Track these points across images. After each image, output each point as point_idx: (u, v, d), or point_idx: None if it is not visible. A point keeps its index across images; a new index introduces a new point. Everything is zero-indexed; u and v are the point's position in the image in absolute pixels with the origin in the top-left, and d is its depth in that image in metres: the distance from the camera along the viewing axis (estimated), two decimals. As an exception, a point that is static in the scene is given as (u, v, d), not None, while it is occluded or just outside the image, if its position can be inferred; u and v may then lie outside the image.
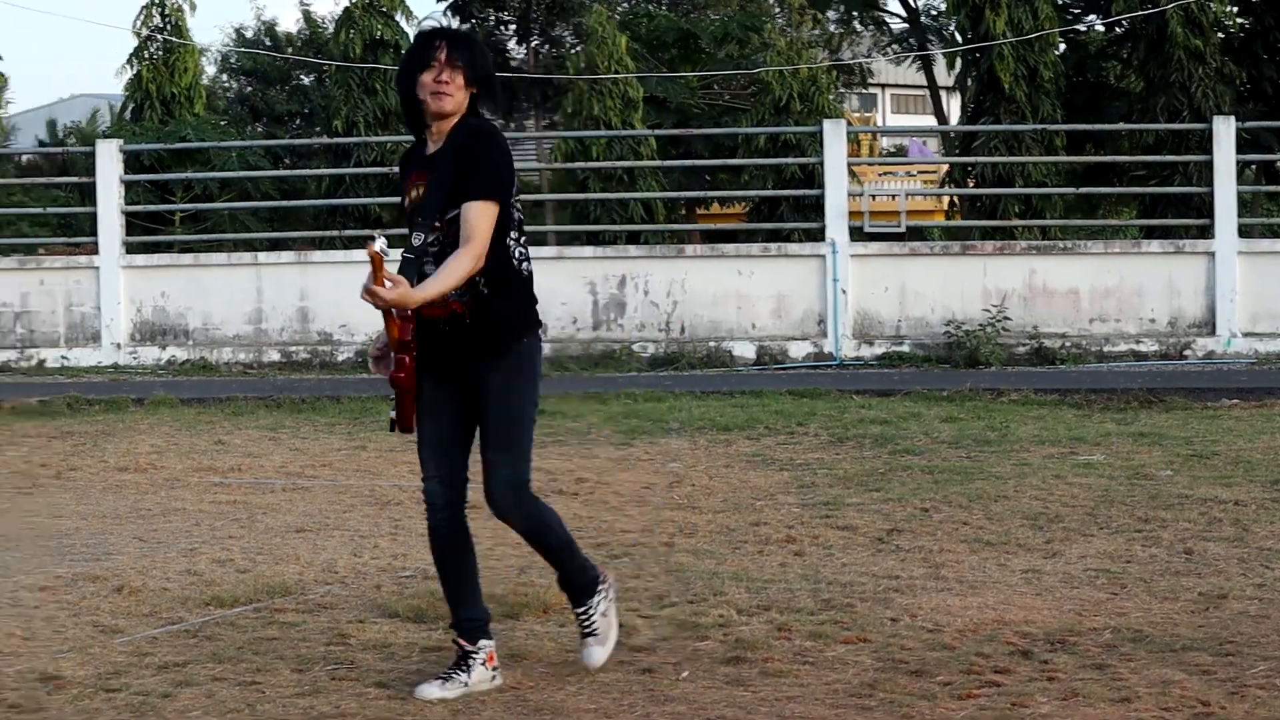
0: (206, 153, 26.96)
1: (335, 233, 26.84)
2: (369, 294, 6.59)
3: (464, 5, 34.19)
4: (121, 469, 14.29)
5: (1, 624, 8.32)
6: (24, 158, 33.90)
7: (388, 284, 6.60)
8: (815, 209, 24.93)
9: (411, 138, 7.24)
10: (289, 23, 71.52)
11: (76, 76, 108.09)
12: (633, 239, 26.14)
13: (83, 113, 46.13)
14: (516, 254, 7.03)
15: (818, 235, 24.33)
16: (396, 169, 7.73)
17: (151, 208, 26.15)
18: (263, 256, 24.84)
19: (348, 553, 10.31)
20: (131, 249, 24.57)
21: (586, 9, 32.79)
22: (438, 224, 6.94)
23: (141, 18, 30.14)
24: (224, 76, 49.72)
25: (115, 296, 23.88)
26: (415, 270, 6.88)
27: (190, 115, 29.45)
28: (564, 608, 8.18)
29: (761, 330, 23.94)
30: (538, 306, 7.19)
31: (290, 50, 45.50)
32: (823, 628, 8.04)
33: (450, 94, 6.89)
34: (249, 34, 50.27)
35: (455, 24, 35.39)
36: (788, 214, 26.93)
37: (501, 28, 35.34)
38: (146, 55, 30.09)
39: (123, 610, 8.63)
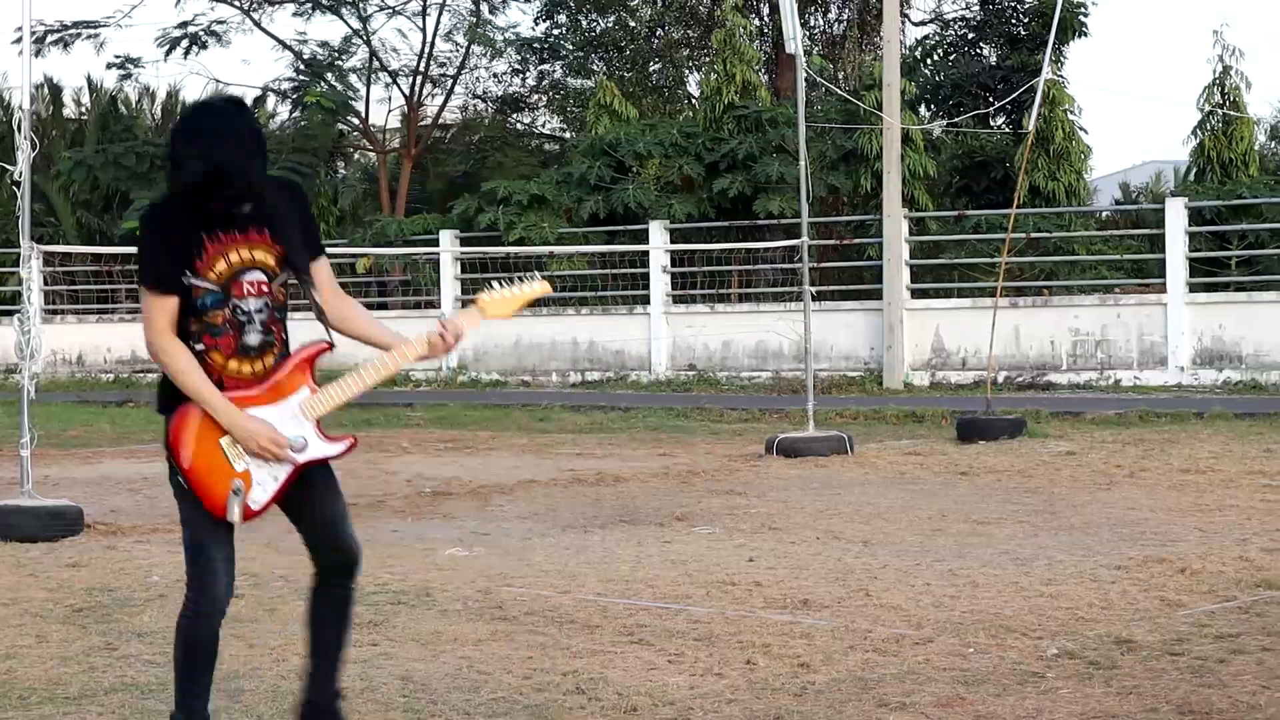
0: (1259, 208, 26.08)
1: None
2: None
3: None
4: (1184, 470, 14.05)
5: (1083, 594, 8.35)
6: (1103, 214, 33.98)
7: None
8: None
9: None
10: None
11: (1145, 145, 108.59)
12: None
13: (1149, 176, 46.03)
14: None
15: None
16: None
17: (1211, 254, 25.56)
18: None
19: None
20: (1193, 289, 24.20)
21: None
22: None
23: (1204, 96, 29.51)
24: (1273, 144, 48.34)
25: (1180, 328, 23.56)
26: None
27: (1245, 177, 28.55)
28: None
29: None
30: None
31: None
32: None
33: None
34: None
35: None
36: None
37: None
38: (1208, 127, 29.40)
39: (1185, 588, 8.46)
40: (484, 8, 34.74)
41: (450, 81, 35.39)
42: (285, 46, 34.87)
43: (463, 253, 28.32)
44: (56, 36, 33.34)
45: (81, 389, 27.95)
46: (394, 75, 34.97)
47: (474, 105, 37.11)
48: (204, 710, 5.35)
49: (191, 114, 5.26)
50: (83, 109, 38.81)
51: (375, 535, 11.10)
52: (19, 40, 12.59)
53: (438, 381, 27.47)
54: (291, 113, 36.28)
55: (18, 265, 13.86)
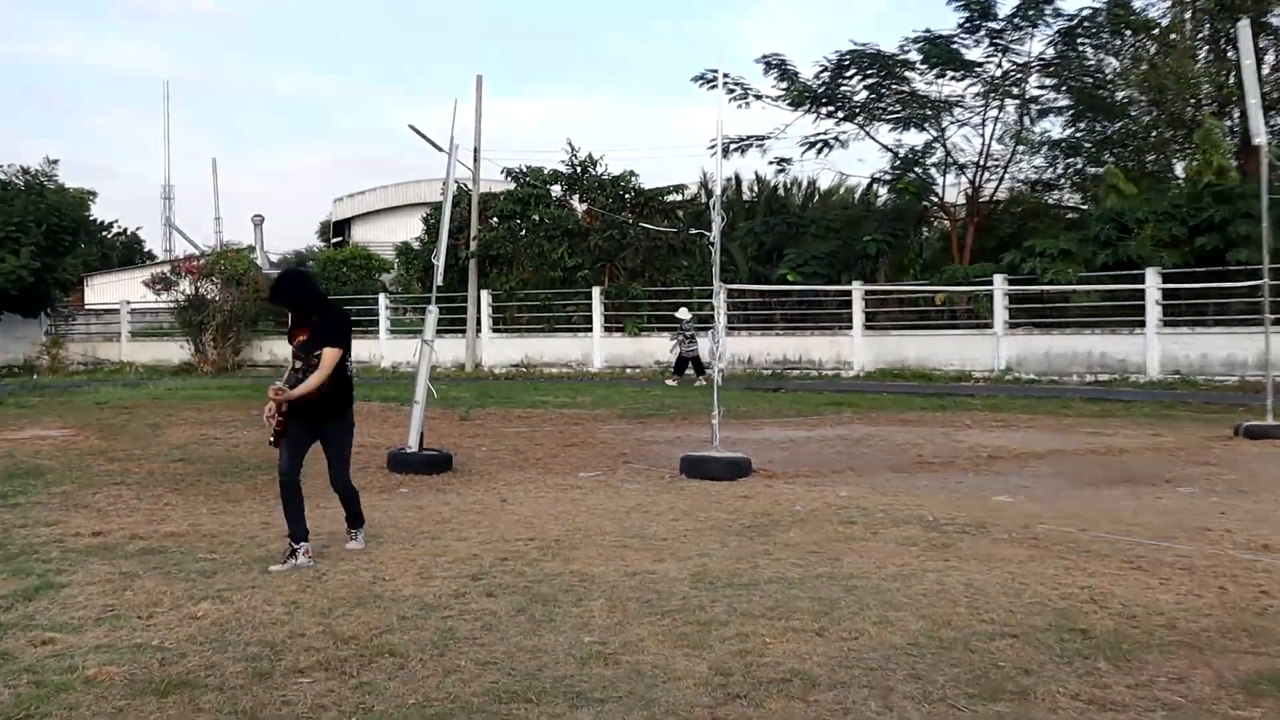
0: None
1: None
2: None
3: None
4: None
5: None
6: None
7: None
8: None
9: None
10: None
11: None
12: None
13: None
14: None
15: None
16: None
17: None
18: None
19: None
20: None
21: None
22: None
23: None
24: None
25: None
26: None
27: None
28: None
29: None
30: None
31: None
32: None
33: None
34: None
35: None
36: None
37: None
38: None
39: None
40: (1026, 120, 33.52)
41: (1001, 171, 34.31)
42: (886, 149, 34.80)
43: (1009, 290, 27.58)
44: (737, 146, 34.53)
45: (749, 380, 28.88)
46: (961, 167, 34.21)
47: (1018, 187, 35.78)
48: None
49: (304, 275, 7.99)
50: (754, 194, 40.02)
51: (946, 485, 11.03)
52: (713, 149, 13.24)
53: (992, 379, 26.81)
54: (890, 194, 36.23)
55: (710, 298, 14.56)
